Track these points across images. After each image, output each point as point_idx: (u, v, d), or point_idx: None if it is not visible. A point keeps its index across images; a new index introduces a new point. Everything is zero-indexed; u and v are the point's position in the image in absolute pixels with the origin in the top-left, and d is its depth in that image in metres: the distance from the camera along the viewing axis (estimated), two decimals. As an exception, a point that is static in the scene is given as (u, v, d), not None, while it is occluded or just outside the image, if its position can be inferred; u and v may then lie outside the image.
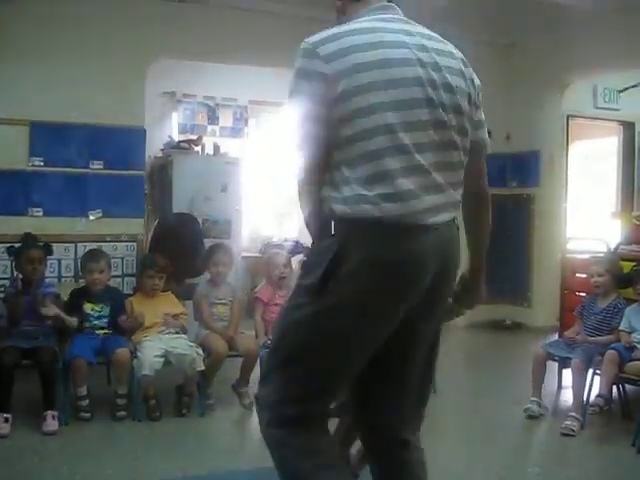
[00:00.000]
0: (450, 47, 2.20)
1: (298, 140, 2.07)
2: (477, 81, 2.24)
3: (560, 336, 5.56)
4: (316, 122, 2.02)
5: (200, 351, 4.61)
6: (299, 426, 2.10)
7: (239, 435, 4.64)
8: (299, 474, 2.11)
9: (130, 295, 5.20)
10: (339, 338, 2.04)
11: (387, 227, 1.98)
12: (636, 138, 8.98)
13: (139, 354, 4.52)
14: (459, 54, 2.21)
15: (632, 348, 4.41)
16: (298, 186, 2.10)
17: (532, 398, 4.68)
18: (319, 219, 2.07)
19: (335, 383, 2.15)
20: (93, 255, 4.94)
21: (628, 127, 8.96)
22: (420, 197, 2.00)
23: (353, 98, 1.99)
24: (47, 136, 5.91)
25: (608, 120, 8.80)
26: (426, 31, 2.19)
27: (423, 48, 2.09)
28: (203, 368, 4.57)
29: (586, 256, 5.47)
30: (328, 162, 2.05)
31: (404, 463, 2.28)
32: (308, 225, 2.12)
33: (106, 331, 4.66)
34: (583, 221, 8.74)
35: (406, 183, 1.98)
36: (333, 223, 2.01)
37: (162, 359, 4.51)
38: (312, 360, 2.07)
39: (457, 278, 2.26)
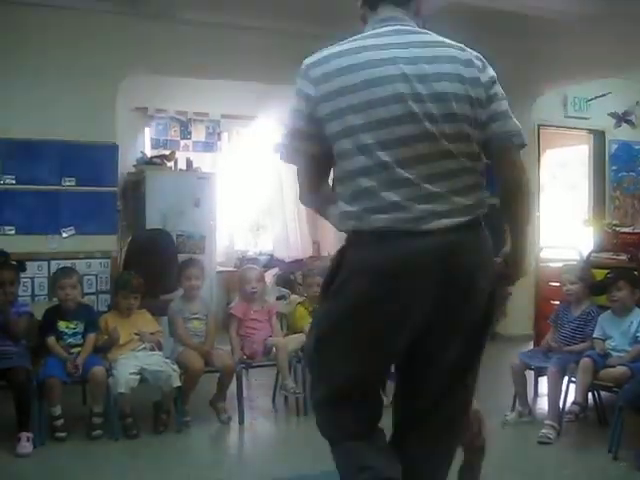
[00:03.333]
0: (452, 50, 2.22)
1: (287, 154, 2.27)
2: (486, 76, 2.23)
3: (535, 345, 5.59)
4: (300, 138, 2.21)
5: (176, 367, 4.58)
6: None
7: (217, 451, 4.62)
8: None
9: (105, 312, 5.16)
10: (337, 337, 2.23)
11: (372, 236, 2.11)
12: (606, 146, 9.08)
13: (114, 372, 4.48)
14: (465, 55, 2.22)
15: (606, 355, 4.45)
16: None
17: (519, 408, 4.74)
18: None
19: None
20: (65, 272, 4.91)
21: (598, 135, 9.06)
22: (408, 207, 2.08)
23: (334, 121, 2.13)
24: (18, 154, 5.84)
25: (578, 129, 8.90)
26: (425, 37, 2.24)
27: (412, 60, 2.14)
28: (179, 385, 4.55)
29: (559, 264, 5.50)
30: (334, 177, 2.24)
31: None
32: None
33: (80, 349, 4.61)
34: (556, 229, 8.80)
35: (390, 196, 2.08)
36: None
37: (138, 376, 4.48)
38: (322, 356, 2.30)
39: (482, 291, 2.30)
